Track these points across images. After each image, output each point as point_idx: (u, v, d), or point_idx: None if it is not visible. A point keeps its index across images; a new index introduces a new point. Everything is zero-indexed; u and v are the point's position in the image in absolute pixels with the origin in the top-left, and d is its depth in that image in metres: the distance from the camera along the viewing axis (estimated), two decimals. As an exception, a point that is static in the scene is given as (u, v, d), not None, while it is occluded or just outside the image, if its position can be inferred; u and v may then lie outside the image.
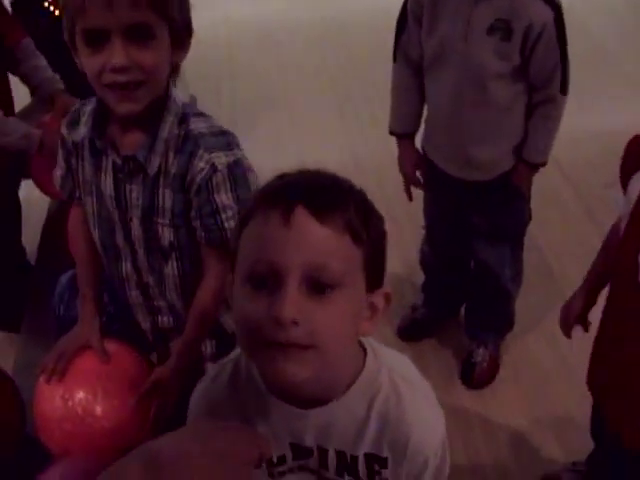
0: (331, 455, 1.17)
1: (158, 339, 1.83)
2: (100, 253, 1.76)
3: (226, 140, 1.56)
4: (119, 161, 1.58)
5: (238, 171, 1.54)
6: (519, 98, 2.20)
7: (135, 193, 1.60)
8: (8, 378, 2.09)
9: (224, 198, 1.54)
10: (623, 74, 4.34)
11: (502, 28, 2.05)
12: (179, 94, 1.58)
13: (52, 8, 3.28)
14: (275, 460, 1.19)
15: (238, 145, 1.58)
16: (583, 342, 1.90)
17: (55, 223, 3.01)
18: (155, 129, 1.53)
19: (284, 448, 1.18)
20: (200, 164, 1.52)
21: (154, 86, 1.48)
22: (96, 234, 1.73)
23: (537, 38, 2.05)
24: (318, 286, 0.96)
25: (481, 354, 2.67)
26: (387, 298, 1.08)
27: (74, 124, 1.67)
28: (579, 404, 2.32)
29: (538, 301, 2.90)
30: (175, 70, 1.56)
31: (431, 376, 2.47)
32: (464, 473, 2.39)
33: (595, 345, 1.82)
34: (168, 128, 1.54)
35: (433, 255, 2.71)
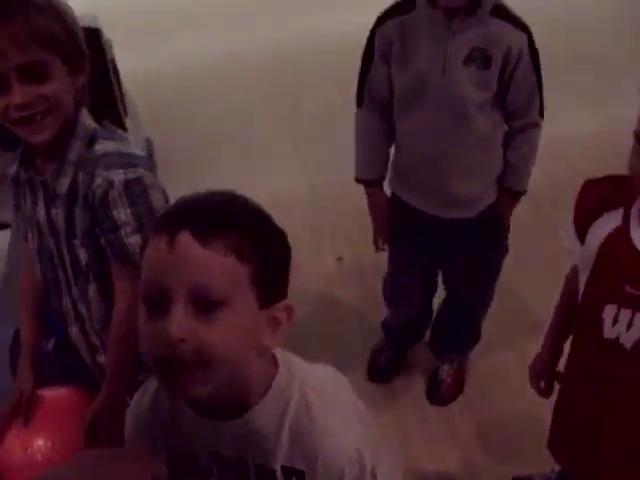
0: (251, 468, 1.19)
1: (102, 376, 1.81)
2: (44, 291, 1.80)
3: (131, 160, 1.61)
4: (41, 186, 1.65)
5: (136, 188, 1.58)
6: (498, 128, 2.20)
7: (59, 216, 1.65)
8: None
9: (122, 214, 1.58)
10: (568, 84, 4.42)
11: (479, 57, 2.05)
12: (88, 119, 1.65)
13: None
14: (203, 470, 1.23)
15: (146, 167, 1.63)
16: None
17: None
18: (64, 151, 1.61)
19: (209, 459, 1.21)
20: (98, 180, 1.57)
21: (60, 113, 1.57)
22: (38, 269, 1.76)
23: (516, 63, 2.07)
24: (203, 305, 1.03)
25: (446, 370, 2.69)
26: (289, 311, 1.12)
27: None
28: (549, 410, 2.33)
29: (504, 314, 2.90)
30: (81, 94, 1.64)
31: (400, 396, 2.51)
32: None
33: (557, 407, 1.81)
34: (77, 151, 1.61)
35: (399, 300, 2.64)
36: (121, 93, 3.35)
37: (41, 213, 1.68)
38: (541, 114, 2.18)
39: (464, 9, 2.01)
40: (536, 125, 2.19)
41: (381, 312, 2.87)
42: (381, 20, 2.15)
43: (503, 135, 2.21)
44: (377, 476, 1.20)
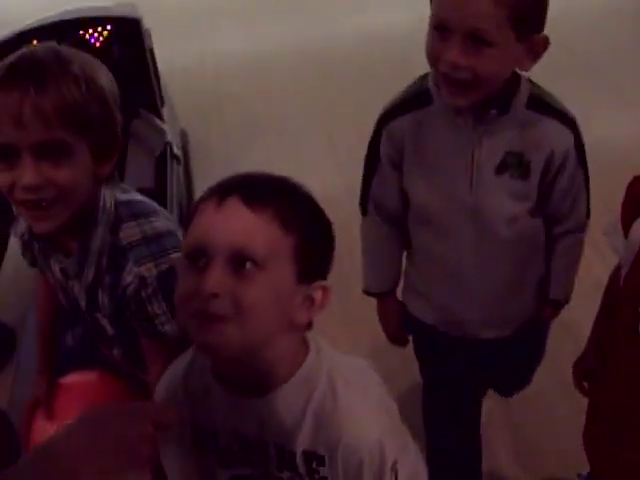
0: (271, 449, 1.20)
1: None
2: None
3: (160, 246, 1.47)
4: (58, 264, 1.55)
5: (169, 279, 1.39)
6: (536, 239, 1.84)
7: (77, 289, 1.57)
8: (2, 414, 2.09)
9: (156, 307, 1.47)
10: (607, 87, 4.37)
11: (515, 164, 1.67)
12: (109, 195, 1.48)
13: None
14: (223, 448, 1.24)
15: (174, 244, 1.46)
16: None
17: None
18: (86, 240, 1.47)
19: (230, 437, 1.22)
20: (128, 278, 1.45)
21: (71, 202, 1.39)
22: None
23: (560, 168, 1.70)
24: (242, 265, 1.05)
25: None
26: (325, 291, 1.14)
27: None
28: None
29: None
30: (108, 178, 1.48)
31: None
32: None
33: (591, 398, 1.78)
34: (100, 239, 1.47)
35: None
36: (159, 83, 3.38)
37: (55, 271, 1.58)
38: (588, 214, 1.84)
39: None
40: (584, 226, 1.85)
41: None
42: (389, 115, 1.75)
43: (545, 240, 1.86)
44: (398, 471, 1.20)
